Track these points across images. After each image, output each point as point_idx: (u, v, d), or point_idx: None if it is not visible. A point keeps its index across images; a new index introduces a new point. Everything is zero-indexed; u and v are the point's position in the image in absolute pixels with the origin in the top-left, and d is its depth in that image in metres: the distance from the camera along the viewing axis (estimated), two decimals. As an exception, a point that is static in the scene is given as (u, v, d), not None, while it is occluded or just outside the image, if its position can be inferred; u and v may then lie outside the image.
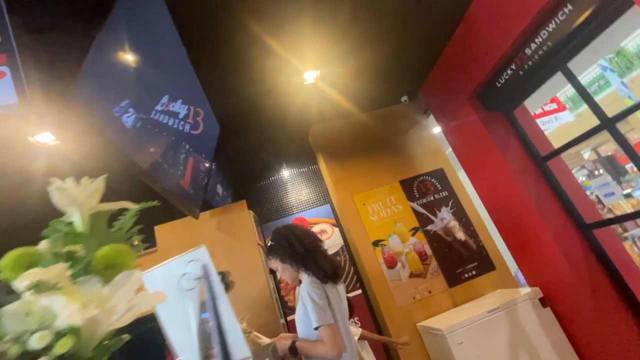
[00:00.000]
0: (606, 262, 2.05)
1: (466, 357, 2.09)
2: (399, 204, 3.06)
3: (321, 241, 1.56)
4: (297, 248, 1.46)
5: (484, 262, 2.88)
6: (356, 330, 2.34)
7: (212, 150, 2.37)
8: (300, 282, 1.56)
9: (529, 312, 2.24)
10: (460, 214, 3.04)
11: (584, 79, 5.43)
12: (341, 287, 1.88)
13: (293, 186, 3.37)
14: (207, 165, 2.30)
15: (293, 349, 1.35)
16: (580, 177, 6.92)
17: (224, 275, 2.10)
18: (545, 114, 5.25)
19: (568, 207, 2.19)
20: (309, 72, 2.39)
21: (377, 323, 2.95)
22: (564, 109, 5.42)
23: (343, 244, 3.13)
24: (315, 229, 3.15)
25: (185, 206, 2.07)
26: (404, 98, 3.42)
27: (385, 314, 2.66)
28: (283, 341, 1.40)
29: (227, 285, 2.08)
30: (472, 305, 2.57)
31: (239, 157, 3.11)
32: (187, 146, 1.87)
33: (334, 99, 2.90)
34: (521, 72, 2.14)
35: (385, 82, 2.95)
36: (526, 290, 2.37)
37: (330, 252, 3.07)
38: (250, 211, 2.42)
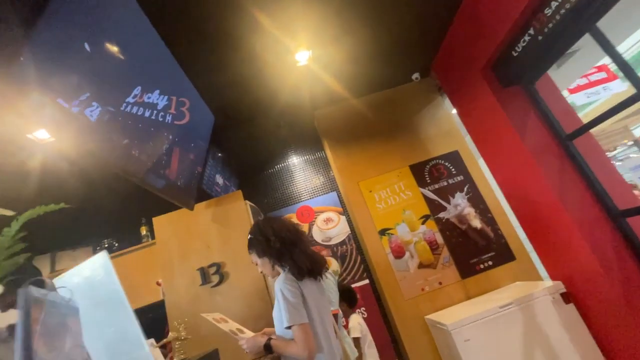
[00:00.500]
0: (642, 255, 1.77)
1: (473, 356, 1.94)
2: (409, 190, 2.88)
3: (302, 235, 1.46)
4: (273, 243, 1.38)
5: (503, 252, 2.64)
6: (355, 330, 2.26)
7: (204, 140, 2.33)
8: None
9: (548, 309, 2.02)
10: (476, 200, 2.80)
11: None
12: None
13: (299, 174, 3.29)
14: (199, 155, 2.27)
15: (268, 347, 1.30)
16: (632, 154, 6.17)
17: (218, 267, 2.09)
18: (591, 84, 4.66)
19: (597, 192, 1.91)
20: (303, 52, 2.24)
21: (385, 314, 2.85)
22: (615, 77, 4.79)
23: (350, 232, 3.02)
24: (321, 217, 3.06)
25: (175, 198, 2.05)
26: (415, 75, 3.16)
27: (392, 306, 2.55)
28: (259, 338, 1.35)
29: (222, 277, 2.07)
30: (486, 298, 2.38)
31: (242, 145, 3.07)
32: (171, 137, 1.84)
33: (339, 80, 2.74)
34: (540, 37, 1.84)
35: (393, 59, 2.72)
36: (547, 283, 2.14)
37: (336, 241, 2.99)
38: (247, 202, 2.38)
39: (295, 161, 3.35)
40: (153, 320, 2.23)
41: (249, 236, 1.48)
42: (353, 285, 2.84)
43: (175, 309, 2.00)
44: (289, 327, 1.24)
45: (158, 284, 2.36)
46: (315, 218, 3.05)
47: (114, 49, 1.36)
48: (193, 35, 1.87)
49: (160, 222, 2.24)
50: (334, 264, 2.90)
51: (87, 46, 1.22)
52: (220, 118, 2.59)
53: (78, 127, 1.25)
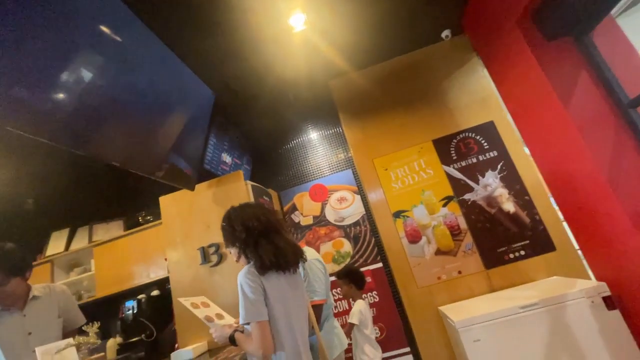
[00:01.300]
0: None
1: (480, 357, 1.73)
2: (430, 168, 2.56)
3: (275, 226, 1.35)
4: (239, 232, 1.30)
5: (540, 241, 2.26)
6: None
7: (204, 119, 2.27)
8: None
9: (584, 314, 1.69)
10: (512, 179, 2.40)
11: None
12: (312, 272, 1.68)
13: (314, 150, 3.13)
14: (199, 135, 2.23)
15: (232, 340, 1.26)
16: None
17: (217, 247, 2.11)
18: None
19: (664, 176, 1.47)
20: (301, 15, 2.00)
21: (398, 299, 2.69)
22: None
23: (364, 213, 2.84)
24: (335, 196, 2.92)
25: (174, 180, 2.07)
26: (446, 33, 2.70)
27: (404, 294, 2.38)
28: (227, 329, 1.32)
29: (220, 257, 2.08)
30: (511, 293, 2.09)
31: (254, 122, 2.98)
32: (164, 118, 1.80)
33: (355, 45, 2.45)
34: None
35: (418, 13, 2.32)
36: (589, 283, 1.78)
37: (350, 221, 2.84)
38: (249, 182, 2.32)
39: (311, 137, 3.18)
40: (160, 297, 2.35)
41: (222, 224, 1.41)
42: (366, 268, 2.71)
43: (178, 285, 2.09)
44: (246, 324, 1.18)
45: (166, 260, 2.50)
46: (329, 197, 2.91)
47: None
48: (185, 23, 1.75)
49: (166, 201, 2.30)
50: (346, 246, 2.78)
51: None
52: (226, 95, 2.50)
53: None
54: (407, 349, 2.48)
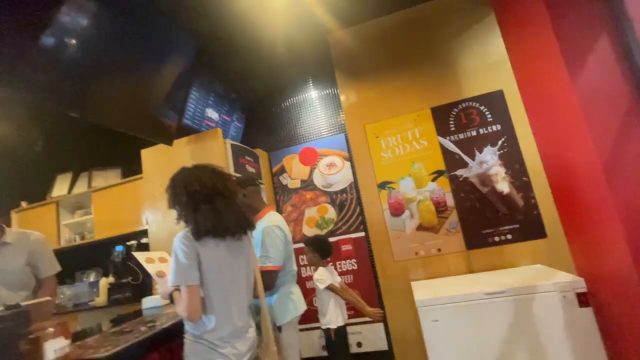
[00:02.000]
0: None
1: (436, 339, 1.71)
2: (424, 138, 2.37)
3: (222, 192, 1.30)
4: (180, 195, 1.27)
5: (531, 226, 2.10)
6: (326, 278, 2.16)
7: (184, 72, 2.17)
8: None
9: (553, 308, 1.59)
10: (512, 158, 2.18)
11: None
12: (270, 237, 1.66)
13: (308, 111, 2.97)
14: (178, 89, 2.15)
15: (171, 297, 1.29)
16: None
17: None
18: None
19: (672, 170, 1.25)
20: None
21: (376, 269, 2.67)
22: None
23: (352, 181, 2.74)
24: (325, 161, 2.81)
25: (151, 134, 2.04)
26: (462, -18, 2.32)
27: (379, 265, 2.36)
28: (172, 287, 1.35)
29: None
30: (487, 277, 2.00)
31: (245, 78, 2.83)
32: (140, 70, 1.73)
33: None
34: None
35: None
36: (567, 277, 1.65)
37: (337, 188, 2.76)
38: (229, 141, 2.25)
39: (306, 97, 3.00)
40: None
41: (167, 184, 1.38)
42: (348, 236, 2.68)
43: (155, 240, 2.16)
44: (175, 288, 1.20)
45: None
46: (319, 161, 2.82)
47: None
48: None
49: (147, 154, 2.31)
50: (330, 212, 2.74)
51: None
52: (212, 46, 2.35)
53: None
54: (379, 317, 2.52)
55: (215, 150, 2.15)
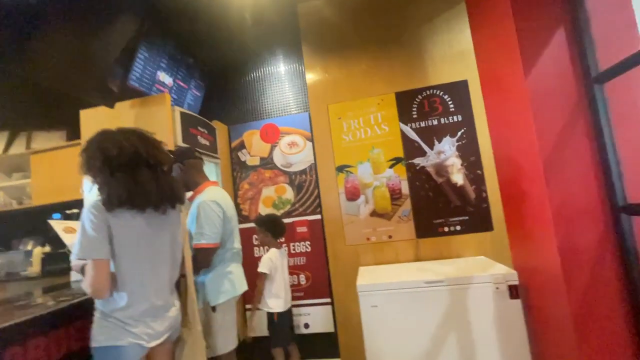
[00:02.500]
0: (630, 271, 1.22)
1: (374, 324, 1.72)
2: (386, 123, 2.32)
3: (148, 159, 1.18)
4: (94, 160, 1.14)
5: (479, 219, 2.13)
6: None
7: (131, 29, 1.96)
8: None
9: (486, 298, 1.62)
10: (469, 150, 2.18)
11: None
12: (205, 212, 1.57)
13: (272, 86, 2.82)
14: (124, 46, 1.95)
15: (82, 270, 1.18)
16: None
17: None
18: None
19: (605, 171, 1.26)
20: None
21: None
22: None
23: (313, 162, 2.66)
24: (286, 139, 2.71)
25: (90, 94, 1.85)
26: (439, -38, 2.22)
27: (330, 248, 2.33)
28: (82, 260, 1.23)
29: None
30: (432, 265, 2.02)
31: (208, 45, 2.62)
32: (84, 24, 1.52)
33: None
34: None
35: None
36: (502, 269, 1.69)
37: (297, 168, 2.68)
38: (179, 108, 2.09)
39: (271, 70, 2.84)
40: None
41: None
42: (304, 218, 2.63)
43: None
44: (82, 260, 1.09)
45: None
46: (280, 140, 2.71)
47: None
48: None
49: (87, 116, 2.11)
50: (288, 193, 2.66)
51: None
52: (168, 2, 2.13)
53: None
54: (328, 300, 2.52)
55: (162, 116, 1.99)
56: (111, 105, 1.97)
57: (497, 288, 1.60)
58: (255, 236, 2.63)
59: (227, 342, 1.67)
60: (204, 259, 1.55)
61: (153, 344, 1.14)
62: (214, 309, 1.62)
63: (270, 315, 2.13)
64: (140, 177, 1.15)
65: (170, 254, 1.26)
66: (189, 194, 1.74)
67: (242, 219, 2.71)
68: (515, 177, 1.60)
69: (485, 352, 1.59)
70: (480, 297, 1.63)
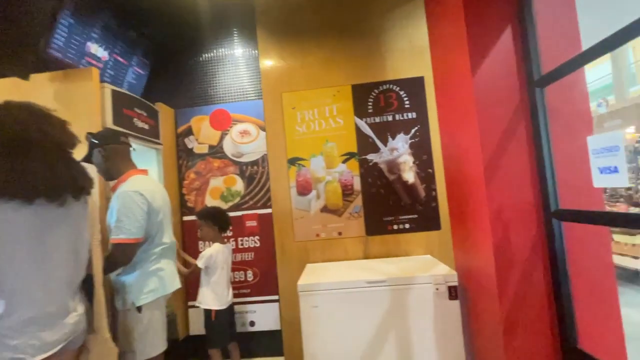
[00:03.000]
0: (559, 275, 1.23)
1: (317, 325, 1.65)
2: (341, 116, 2.24)
3: (40, 141, 0.99)
4: None
5: (428, 217, 2.13)
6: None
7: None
8: None
9: (426, 299, 1.61)
10: (421, 148, 2.16)
11: None
12: (126, 202, 1.40)
13: (225, 69, 2.63)
14: (44, 9, 1.67)
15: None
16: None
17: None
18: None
19: (541, 178, 1.26)
20: None
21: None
22: None
23: (266, 153, 2.53)
24: (238, 127, 2.54)
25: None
26: (402, -48, 2.15)
27: (279, 244, 2.23)
28: None
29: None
30: (379, 264, 1.99)
31: (153, 16, 2.37)
32: None
33: None
34: None
35: None
36: (443, 270, 1.68)
37: (248, 159, 2.53)
38: (110, 86, 1.86)
39: (225, 53, 2.64)
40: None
41: None
42: (254, 212, 2.50)
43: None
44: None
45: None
46: (231, 127, 2.54)
47: None
48: None
49: (-5, 87, 1.81)
50: (238, 184, 2.51)
51: None
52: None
53: None
54: (276, 297, 2.42)
55: (87, 93, 1.75)
56: (25, 77, 1.70)
57: (437, 289, 1.59)
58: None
59: (155, 345, 1.52)
60: (122, 255, 1.39)
61: (41, 357, 0.98)
62: (139, 309, 1.47)
63: (207, 313, 2.00)
64: (26, 163, 0.96)
65: (71, 253, 1.09)
66: (113, 184, 1.55)
67: (187, 210, 2.53)
68: (459, 177, 1.59)
69: (423, 353, 1.58)
70: (421, 297, 1.61)
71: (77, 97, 1.76)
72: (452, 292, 1.59)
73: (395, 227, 2.15)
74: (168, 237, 1.61)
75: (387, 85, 2.22)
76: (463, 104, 1.46)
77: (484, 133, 1.33)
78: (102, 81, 2.03)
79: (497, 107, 1.33)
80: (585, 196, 1.23)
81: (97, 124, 1.77)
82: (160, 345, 1.55)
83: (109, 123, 1.84)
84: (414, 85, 2.20)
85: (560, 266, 1.23)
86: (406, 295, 1.62)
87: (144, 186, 1.48)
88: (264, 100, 2.31)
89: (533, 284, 1.30)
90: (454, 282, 1.59)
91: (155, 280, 1.51)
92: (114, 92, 1.88)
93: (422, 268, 1.76)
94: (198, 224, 2.14)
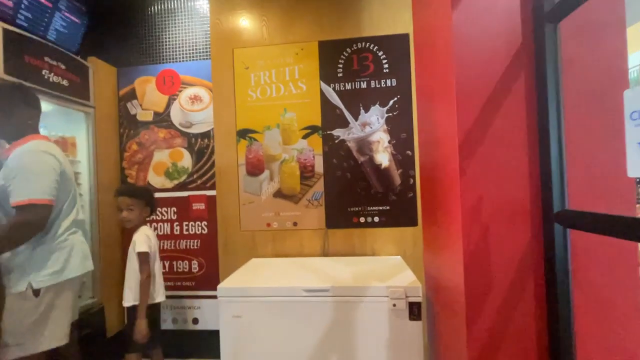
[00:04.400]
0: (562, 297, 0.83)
1: (234, 338, 1.29)
2: (304, 81, 1.81)
3: None
4: None
5: (402, 211, 1.73)
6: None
7: None
8: None
9: (379, 317, 1.23)
10: (400, 124, 1.73)
11: None
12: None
13: (175, 22, 2.20)
14: None
15: None
16: None
17: None
18: None
19: (542, 160, 0.85)
20: None
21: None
22: None
23: (219, 123, 2.13)
24: (188, 92, 2.14)
25: None
26: None
27: (221, 233, 1.86)
28: None
29: None
30: (337, 265, 1.61)
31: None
32: None
33: None
34: None
35: None
36: (405, 280, 1.29)
37: (198, 130, 2.14)
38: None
39: (174, 5, 2.21)
40: None
41: None
42: (201, 193, 2.12)
43: None
44: None
45: None
46: (180, 91, 2.13)
47: None
48: None
49: None
50: (185, 160, 2.13)
51: None
52: None
53: None
54: (224, 292, 2.08)
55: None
56: None
57: (395, 305, 1.21)
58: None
59: (52, 337, 1.25)
60: (36, 217, 1.15)
61: None
62: (36, 293, 1.20)
63: (131, 310, 1.66)
64: None
65: None
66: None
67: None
68: (431, 160, 1.17)
69: (371, 384, 1.22)
70: (373, 314, 1.23)
71: (-50, 34, 1.37)
72: (414, 311, 1.21)
73: (362, 219, 1.76)
74: (78, 211, 1.36)
75: (363, 44, 1.77)
76: (442, 68, 1.03)
77: (462, 108, 0.90)
78: (15, 25, 1.65)
79: (483, 56, 0.89)
80: (610, 192, 0.82)
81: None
82: (56, 338, 1.27)
83: (-1, 71, 1.46)
84: (396, 45, 1.75)
85: (561, 289, 0.83)
86: (354, 310, 1.24)
87: (52, 149, 1.25)
88: (212, 57, 1.89)
89: (520, 309, 0.91)
90: (417, 298, 1.21)
91: (60, 259, 1.26)
92: (5, 32, 1.48)
93: (381, 275, 1.38)
94: (124, 204, 1.76)
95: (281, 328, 1.27)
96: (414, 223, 1.73)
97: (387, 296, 1.22)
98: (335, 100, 1.79)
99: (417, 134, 1.66)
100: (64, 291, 1.29)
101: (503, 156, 0.90)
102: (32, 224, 1.17)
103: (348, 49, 1.78)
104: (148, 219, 1.83)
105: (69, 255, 1.30)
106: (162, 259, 2.10)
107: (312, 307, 1.26)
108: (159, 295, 1.70)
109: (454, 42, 0.92)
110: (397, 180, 1.74)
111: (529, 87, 0.88)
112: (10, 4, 1.74)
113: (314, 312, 1.26)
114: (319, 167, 1.79)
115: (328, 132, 1.78)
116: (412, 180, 1.73)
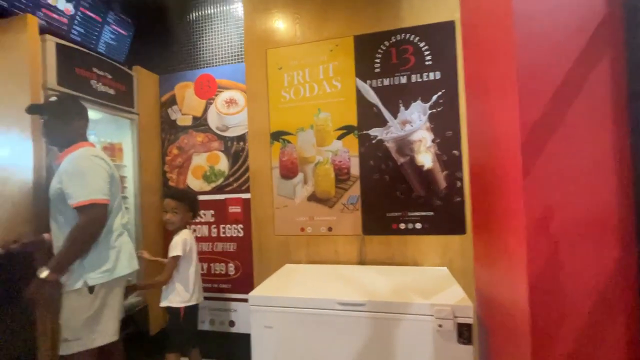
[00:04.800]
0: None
1: (266, 350, 1.24)
2: (339, 78, 1.72)
3: None
4: None
5: (449, 217, 1.57)
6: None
7: None
8: None
9: (423, 338, 1.10)
10: (445, 121, 1.57)
11: None
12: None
13: (214, 28, 2.23)
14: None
15: None
16: None
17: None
18: None
19: (635, 161, 0.67)
20: None
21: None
22: None
23: (254, 125, 2.11)
24: (224, 96, 2.15)
25: None
26: None
27: (255, 236, 1.84)
28: None
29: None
30: (376, 275, 1.49)
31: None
32: None
33: None
34: None
35: None
36: (454, 298, 1.14)
37: (235, 133, 2.14)
38: (50, 37, 1.55)
39: (214, 9, 2.23)
40: None
41: None
42: (237, 196, 2.12)
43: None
44: None
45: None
46: (217, 95, 2.16)
47: None
48: None
49: None
50: (222, 163, 2.15)
51: None
52: None
53: None
54: (259, 297, 2.06)
55: (22, 46, 1.47)
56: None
57: (441, 326, 1.07)
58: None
59: (105, 333, 1.32)
60: (98, 215, 1.24)
61: None
62: (91, 289, 1.28)
63: (175, 311, 1.69)
64: None
65: None
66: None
67: (169, 190, 2.24)
68: (484, 161, 1.01)
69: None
70: (415, 334, 1.10)
71: (10, 50, 1.49)
72: (464, 334, 1.06)
73: (402, 226, 1.62)
74: (125, 216, 1.47)
75: (402, 35, 1.64)
76: (496, 44, 0.88)
77: (527, 84, 0.75)
78: (69, 39, 1.77)
79: (553, 35, 0.74)
80: None
81: (37, 85, 1.50)
82: (110, 334, 1.33)
83: (54, 83, 1.56)
84: (440, 34, 1.59)
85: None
86: (393, 328, 1.12)
87: (101, 154, 1.35)
88: (245, 59, 1.87)
89: (606, 342, 0.73)
90: (468, 319, 1.05)
91: (112, 259, 1.33)
92: (59, 47, 1.58)
93: (425, 289, 1.24)
94: (169, 206, 1.79)
95: (313, 342, 1.19)
96: (462, 231, 1.55)
97: (432, 315, 1.08)
98: (372, 97, 1.67)
99: (466, 132, 1.49)
100: (114, 289, 1.36)
101: (579, 152, 0.74)
102: (98, 221, 1.25)
103: (386, 42, 1.66)
104: (191, 222, 1.85)
105: (119, 255, 1.36)
106: (200, 260, 2.13)
107: (347, 322, 1.16)
108: (197, 296, 1.71)
109: (515, 21, 0.77)
110: (442, 183, 1.57)
111: (616, 71, 0.71)
112: (65, 20, 1.87)
113: (349, 328, 1.16)
114: (355, 169, 1.69)
115: (364, 132, 1.67)
116: (459, 183, 1.56)
